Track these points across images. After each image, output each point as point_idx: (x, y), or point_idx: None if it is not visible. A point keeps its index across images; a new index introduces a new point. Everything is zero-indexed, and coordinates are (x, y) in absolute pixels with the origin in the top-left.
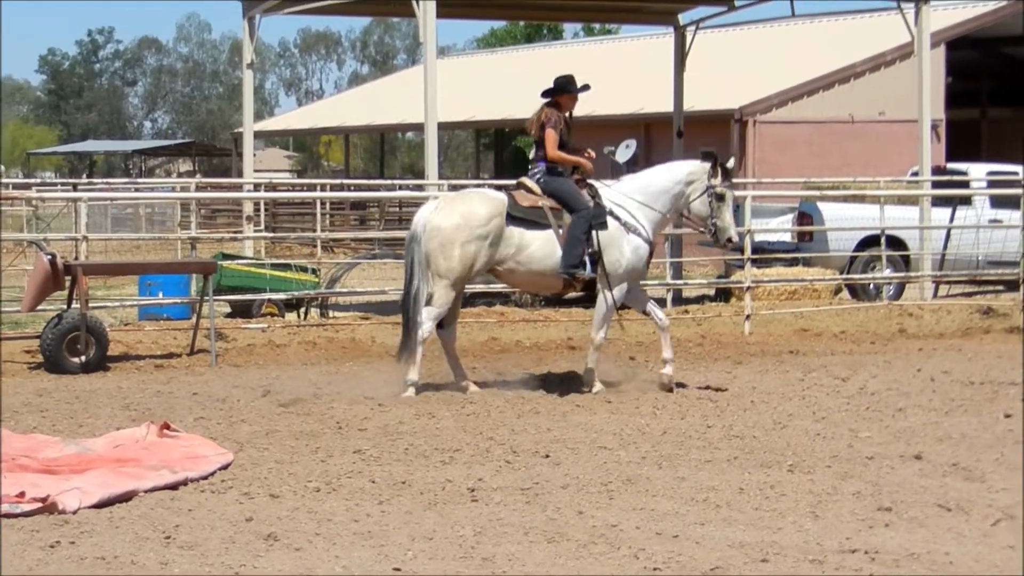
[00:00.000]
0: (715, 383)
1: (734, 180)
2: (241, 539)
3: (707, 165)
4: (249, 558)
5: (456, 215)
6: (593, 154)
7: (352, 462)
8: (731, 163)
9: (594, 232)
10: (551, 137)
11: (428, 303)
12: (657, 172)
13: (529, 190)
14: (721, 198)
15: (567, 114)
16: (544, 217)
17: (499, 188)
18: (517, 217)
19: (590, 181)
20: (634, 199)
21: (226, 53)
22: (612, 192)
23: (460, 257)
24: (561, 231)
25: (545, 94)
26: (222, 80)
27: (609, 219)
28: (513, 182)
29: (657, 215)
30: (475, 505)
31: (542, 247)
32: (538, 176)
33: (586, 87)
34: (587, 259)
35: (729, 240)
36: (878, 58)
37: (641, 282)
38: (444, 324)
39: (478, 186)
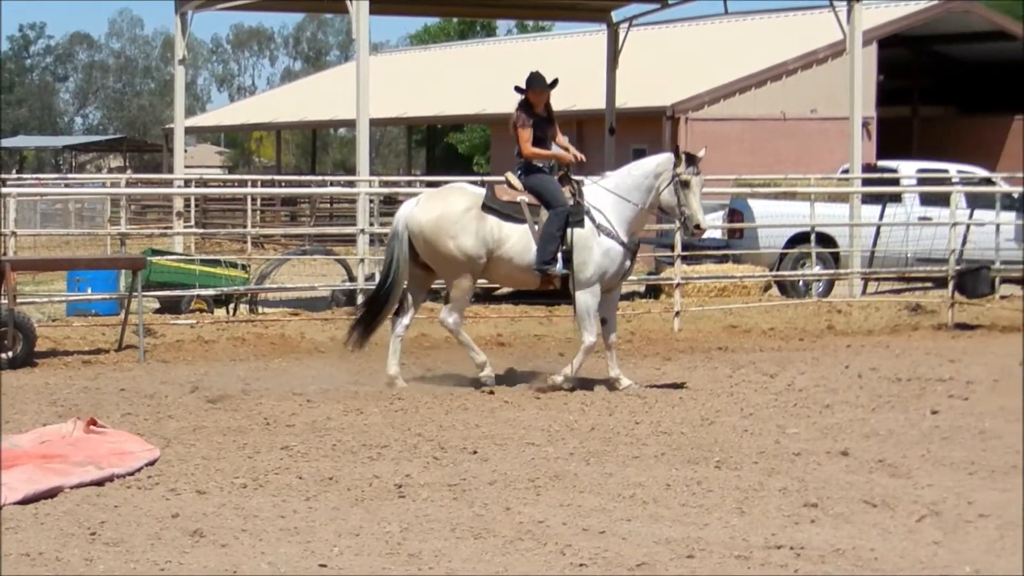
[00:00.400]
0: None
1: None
2: (167, 535)
3: (671, 155)
4: (175, 555)
5: (435, 210)
6: (581, 156)
7: (279, 458)
8: (702, 152)
9: (569, 230)
10: (521, 136)
11: (447, 300)
12: (631, 167)
13: (511, 185)
14: (686, 185)
15: (542, 109)
16: (521, 212)
17: (477, 184)
18: (495, 210)
19: (574, 178)
20: (613, 194)
21: (158, 49)
22: (594, 189)
23: (456, 248)
24: (537, 227)
25: (517, 91)
26: (154, 76)
27: (586, 219)
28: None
29: (634, 209)
30: (402, 501)
31: (519, 241)
32: (519, 172)
33: (554, 82)
34: (560, 257)
35: (697, 227)
36: (810, 56)
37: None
38: (400, 313)
39: (408, 183)
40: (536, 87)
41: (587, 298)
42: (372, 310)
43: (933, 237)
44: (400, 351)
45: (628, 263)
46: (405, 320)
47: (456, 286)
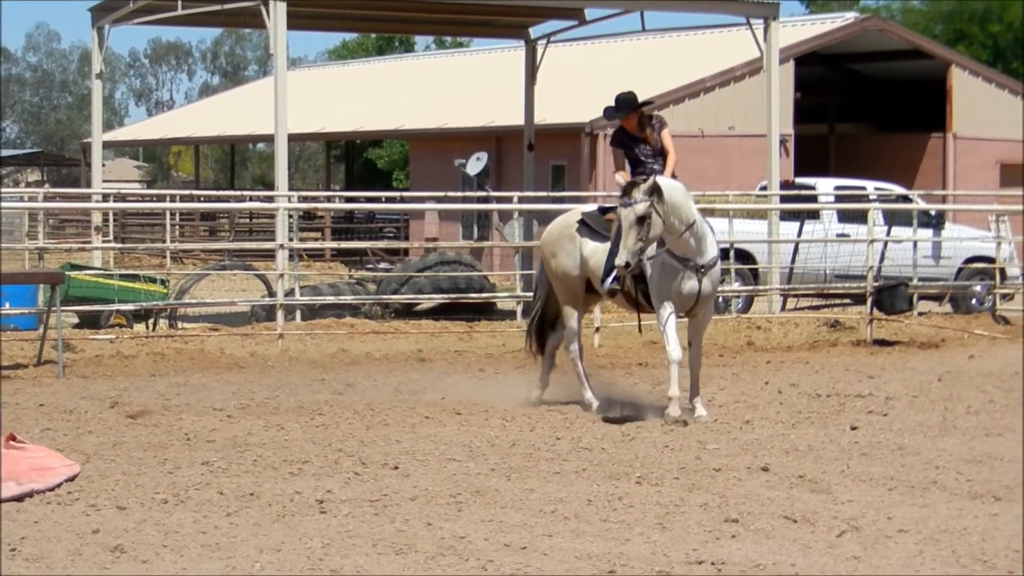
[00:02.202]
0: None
1: (585, 193)
2: (88, 551)
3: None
4: (96, 570)
5: (548, 230)
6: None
7: (200, 474)
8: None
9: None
10: (615, 163)
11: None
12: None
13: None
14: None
15: (636, 129)
16: (609, 230)
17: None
18: (589, 227)
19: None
20: None
21: (75, 63)
22: None
23: (556, 266)
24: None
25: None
26: (71, 90)
27: None
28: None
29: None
30: (324, 517)
31: (600, 259)
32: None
33: (637, 103)
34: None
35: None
36: (727, 73)
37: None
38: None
39: (328, 199)
40: (620, 114)
41: (661, 312)
42: (529, 324)
43: (851, 254)
44: (551, 367)
45: (694, 283)
46: (553, 339)
47: (564, 313)
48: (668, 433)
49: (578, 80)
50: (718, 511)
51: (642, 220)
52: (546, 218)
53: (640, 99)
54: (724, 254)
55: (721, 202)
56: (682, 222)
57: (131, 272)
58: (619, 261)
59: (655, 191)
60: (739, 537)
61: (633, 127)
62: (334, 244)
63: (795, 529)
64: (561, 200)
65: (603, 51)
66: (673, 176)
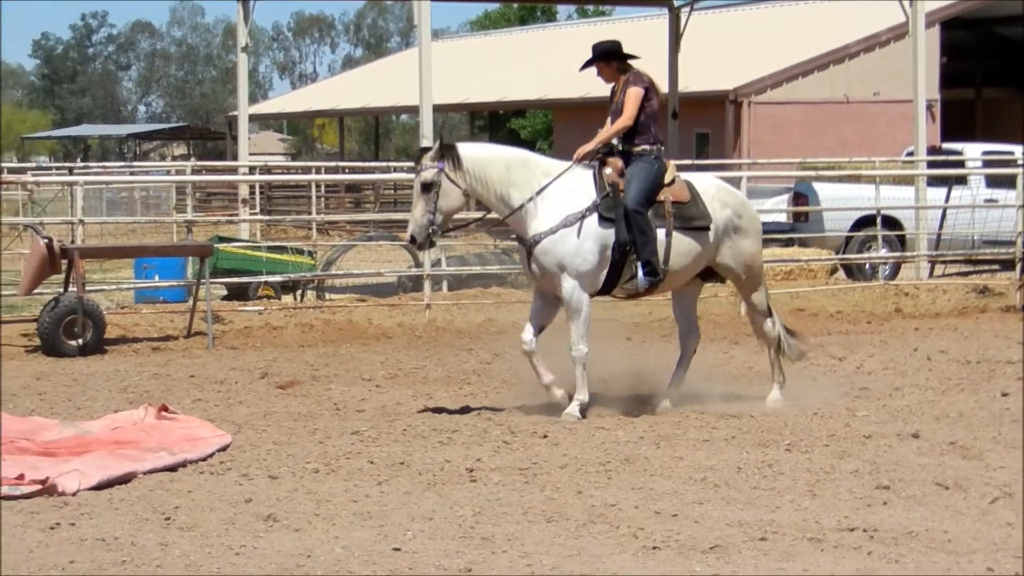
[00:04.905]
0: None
1: (730, 161)
2: (241, 520)
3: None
4: (249, 539)
5: None
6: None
7: (350, 443)
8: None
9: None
10: None
11: None
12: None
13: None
14: None
15: (614, 84)
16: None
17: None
18: None
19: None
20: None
21: (219, 37)
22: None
23: None
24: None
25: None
26: (216, 64)
27: None
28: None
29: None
30: (474, 485)
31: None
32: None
33: (620, 55)
34: None
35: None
36: (872, 39)
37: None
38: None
39: None
40: (586, 65)
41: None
42: None
43: (999, 219)
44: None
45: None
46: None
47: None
48: (818, 401)
49: (722, 47)
50: (869, 478)
51: (428, 188)
52: None
53: (626, 51)
54: (871, 220)
55: (867, 168)
56: (498, 197)
57: (278, 244)
58: (407, 234)
59: (448, 156)
60: (890, 504)
61: (608, 79)
62: (478, 215)
63: (947, 496)
64: (706, 168)
65: (746, 18)
66: (627, 143)
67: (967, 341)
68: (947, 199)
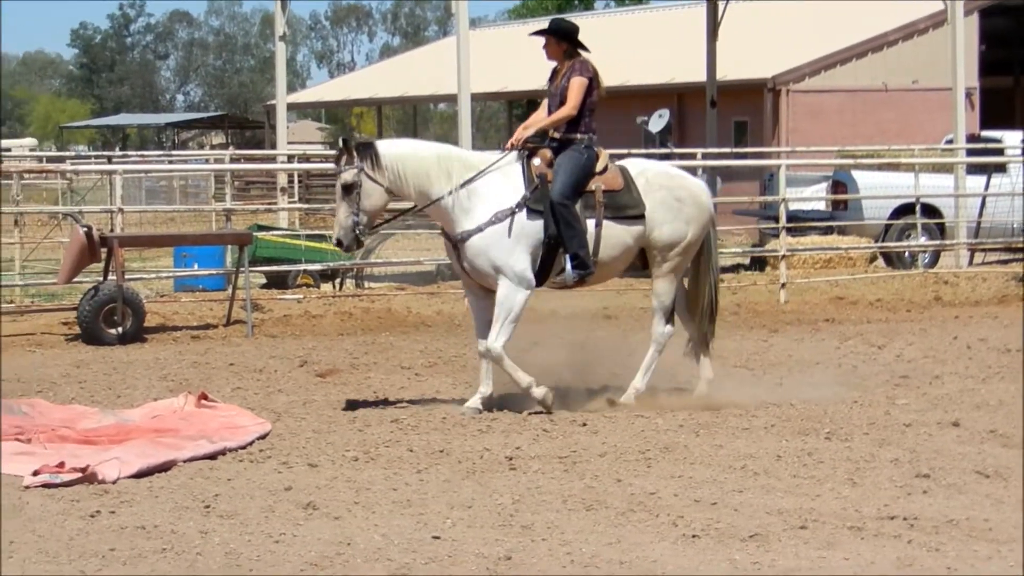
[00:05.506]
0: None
1: (768, 149)
2: (280, 508)
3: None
4: (289, 527)
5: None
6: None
7: (390, 431)
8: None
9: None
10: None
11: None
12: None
13: None
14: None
15: (560, 65)
16: None
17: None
18: None
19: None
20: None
21: (257, 26)
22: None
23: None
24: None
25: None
26: (253, 53)
27: None
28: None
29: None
30: (513, 473)
31: None
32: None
33: (571, 40)
34: None
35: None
36: (911, 26)
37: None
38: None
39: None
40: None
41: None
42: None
43: None
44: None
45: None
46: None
47: None
48: (856, 389)
49: (759, 36)
50: (909, 466)
51: (350, 189)
52: (729, 175)
53: (582, 39)
54: (910, 208)
55: (906, 156)
56: (419, 192)
57: (317, 232)
58: (333, 237)
59: (366, 156)
60: (931, 492)
61: (552, 56)
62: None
63: (987, 484)
64: (744, 156)
65: (785, 6)
66: (569, 132)
67: (1007, 329)
68: (986, 187)
